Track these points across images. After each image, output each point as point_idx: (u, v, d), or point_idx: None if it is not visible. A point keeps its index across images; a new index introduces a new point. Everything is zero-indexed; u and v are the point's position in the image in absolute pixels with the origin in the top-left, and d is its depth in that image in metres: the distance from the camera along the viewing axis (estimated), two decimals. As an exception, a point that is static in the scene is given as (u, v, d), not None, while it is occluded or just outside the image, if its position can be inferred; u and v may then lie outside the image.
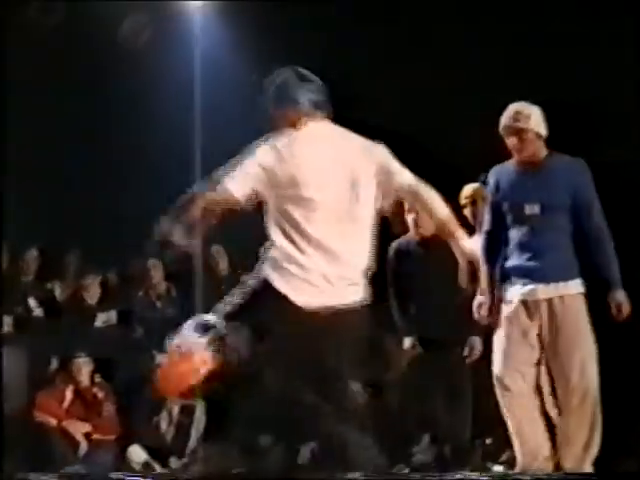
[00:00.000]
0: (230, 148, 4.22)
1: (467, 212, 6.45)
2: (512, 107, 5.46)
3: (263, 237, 8.08)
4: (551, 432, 5.42)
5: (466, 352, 6.40)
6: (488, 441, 6.08)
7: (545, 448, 5.42)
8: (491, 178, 5.55)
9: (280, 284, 4.06)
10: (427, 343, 6.55)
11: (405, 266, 6.66)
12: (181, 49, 9.26)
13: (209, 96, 9.12)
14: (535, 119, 5.41)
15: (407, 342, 6.60)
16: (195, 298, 8.53)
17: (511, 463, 5.60)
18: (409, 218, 6.51)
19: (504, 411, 5.46)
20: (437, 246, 6.40)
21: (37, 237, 8.64)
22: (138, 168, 9.09)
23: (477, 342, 6.36)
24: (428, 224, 6.40)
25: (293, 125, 4.22)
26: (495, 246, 5.53)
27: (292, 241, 4.07)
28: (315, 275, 4.05)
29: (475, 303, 5.56)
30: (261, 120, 4.31)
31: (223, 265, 8.49)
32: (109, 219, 9.22)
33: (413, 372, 6.64)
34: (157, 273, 8.49)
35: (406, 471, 6.59)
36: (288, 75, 4.36)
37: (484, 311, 5.48)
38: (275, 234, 4.13)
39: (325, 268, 4.05)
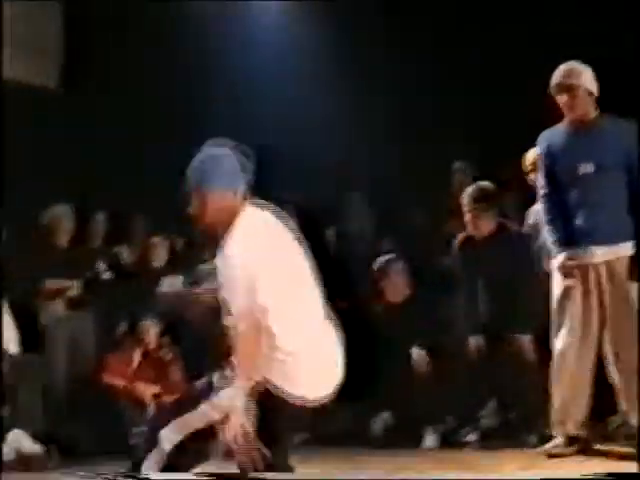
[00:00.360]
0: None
1: (532, 178, 6.39)
2: (563, 66, 5.47)
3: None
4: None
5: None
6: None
7: (580, 414, 5.45)
8: (542, 142, 5.55)
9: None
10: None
11: (468, 262, 6.64)
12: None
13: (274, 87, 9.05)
14: (586, 77, 5.43)
15: (472, 341, 6.59)
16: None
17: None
18: (467, 218, 6.51)
19: (554, 372, 5.50)
20: (496, 244, 6.46)
21: (104, 201, 8.70)
22: (206, 136, 9.09)
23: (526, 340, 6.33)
24: (486, 224, 6.40)
25: (226, 212, 4.04)
26: (555, 208, 5.51)
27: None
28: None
29: (557, 264, 5.54)
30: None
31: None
32: (175, 184, 9.25)
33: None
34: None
35: (473, 435, 6.58)
36: (224, 152, 4.19)
37: (569, 268, 5.45)
38: None
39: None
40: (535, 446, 5.95)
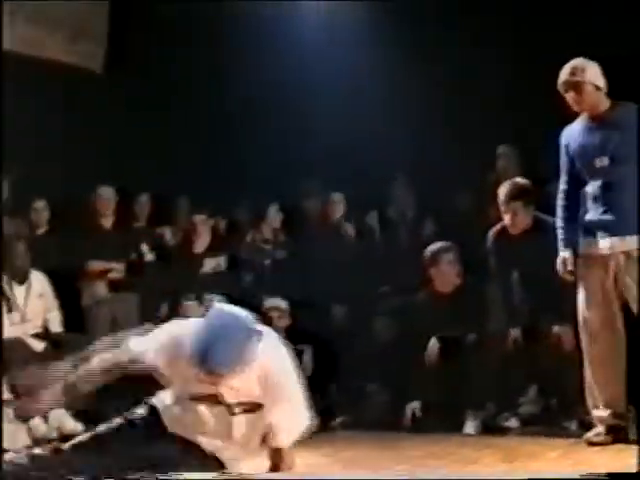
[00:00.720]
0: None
1: None
2: (568, 64, 5.52)
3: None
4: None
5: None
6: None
7: (619, 403, 5.43)
8: (562, 139, 5.64)
9: None
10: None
11: (502, 255, 6.60)
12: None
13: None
14: (591, 72, 5.54)
15: (513, 333, 6.57)
16: (304, 242, 8.51)
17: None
18: (506, 217, 6.48)
19: (586, 362, 5.51)
20: (532, 238, 6.41)
21: (147, 183, 8.73)
22: (248, 119, 9.10)
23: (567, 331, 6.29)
24: (522, 221, 6.41)
25: None
26: (573, 203, 5.56)
27: None
28: None
29: (558, 260, 5.60)
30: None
31: (339, 212, 8.42)
32: (217, 165, 9.28)
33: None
34: (266, 219, 8.55)
35: (513, 421, 6.55)
36: None
37: (568, 266, 5.52)
38: None
39: None
40: (575, 433, 5.94)
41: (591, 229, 5.50)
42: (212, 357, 4.18)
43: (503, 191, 6.49)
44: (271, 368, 4.44)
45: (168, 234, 8.72)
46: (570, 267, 5.56)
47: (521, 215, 6.48)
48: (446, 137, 8.02)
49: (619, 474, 3.54)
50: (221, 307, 4.48)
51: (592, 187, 5.50)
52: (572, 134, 5.61)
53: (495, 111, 7.97)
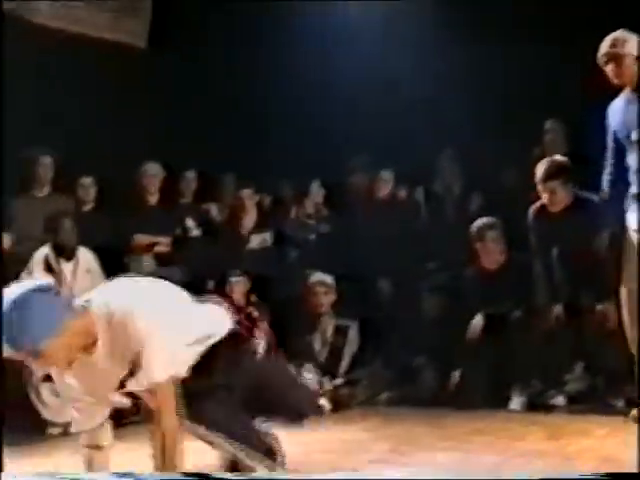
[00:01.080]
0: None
1: None
2: (609, 36, 5.50)
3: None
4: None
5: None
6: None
7: None
8: (608, 115, 5.65)
9: None
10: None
11: (542, 232, 6.58)
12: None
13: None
14: (631, 44, 5.49)
15: (555, 310, 6.53)
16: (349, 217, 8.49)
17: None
18: (544, 196, 6.46)
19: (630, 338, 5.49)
20: (572, 216, 6.36)
21: (193, 159, 8.75)
22: (294, 95, 9.07)
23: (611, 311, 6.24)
24: (561, 200, 6.40)
25: None
26: (619, 178, 5.60)
27: None
28: None
29: (605, 235, 5.58)
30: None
31: (386, 188, 8.39)
32: (263, 142, 9.28)
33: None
34: (309, 195, 8.55)
35: (560, 398, 6.51)
36: None
37: (615, 242, 5.51)
38: None
39: None
40: (622, 410, 5.90)
41: (633, 203, 5.47)
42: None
43: (540, 170, 6.44)
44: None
45: (214, 210, 8.74)
46: (616, 243, 5.52)
47: (559, 194, 6.43)
48: (493, 112, 7.95)
49: (619, 474, 3.51)
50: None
51: (630, 160, 5.49)
52: (615, 108, 5.59)
53: (543, 86, 7.88)
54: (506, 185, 7.89)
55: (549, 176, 6.39)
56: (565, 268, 6.56)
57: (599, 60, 5.49)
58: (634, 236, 5.47)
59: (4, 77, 7.45)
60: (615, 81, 5.51)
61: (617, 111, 5.56)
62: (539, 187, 6.45)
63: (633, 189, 5.49)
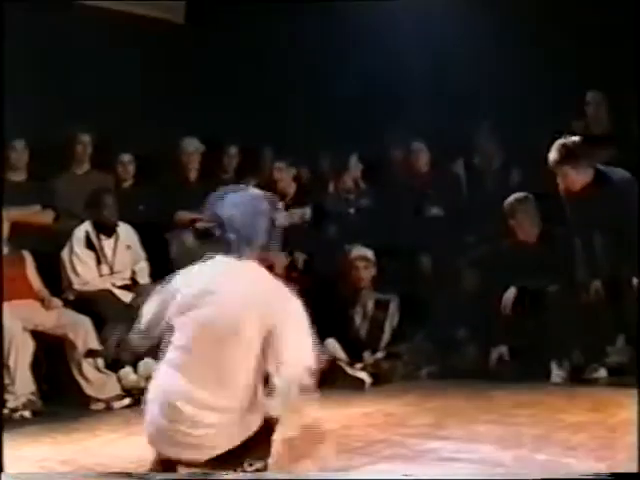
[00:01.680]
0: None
1: None
2: None
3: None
4: None
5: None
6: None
7: None
8: None
9: None
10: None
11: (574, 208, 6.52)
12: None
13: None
14: None
15: (595, 284, 6.51)
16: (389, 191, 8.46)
17: None
18: (558, 179, 6.45)
19: None
20: (596, 194, 6.28)
21: (231, 134, 8.75)
22: (331, 70, 9.04)
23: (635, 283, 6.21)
24: (577, 180, 6.37)
25: None
26: None
27: None
28: None
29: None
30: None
31: (423, 160, 8.35)
32: (301, 116, 9.27)
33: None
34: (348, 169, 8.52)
35: (601, 370, 6.48)
36: None
37: None
38: None
39: None
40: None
41: None
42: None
43: (552, 154, 6.41)
44: None
45: (253, 184, 8.74)
46: None
47: (571, 176, 6.40)
48: (533, 85, 7.89)
49: (619, 474, 3.50)
50: None
51: None
52: None
53: (584, 58, 7.81)
54: (546, 158, 7.84)
55: (558, 161, 6.36)
56: (604, 242, 6.50)
57: None
58: None
59: (45, 56, 7.52)
60: None
61: None
62: (554, 171, 6.42)
63: None
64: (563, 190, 6.53)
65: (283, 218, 8.06)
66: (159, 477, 3.87)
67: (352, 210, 8.43)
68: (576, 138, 6.46)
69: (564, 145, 6.41)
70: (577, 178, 6.39)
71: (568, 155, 6.36)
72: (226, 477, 3.79)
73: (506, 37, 8.16)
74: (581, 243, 6.58)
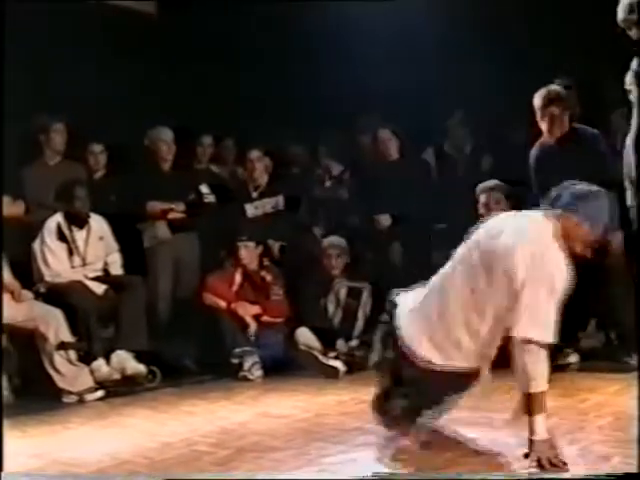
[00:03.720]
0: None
1: None
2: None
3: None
4: None
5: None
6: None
7: None
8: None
9: None
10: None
11: (545, 168, 6.51)
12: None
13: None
14: None
15: None
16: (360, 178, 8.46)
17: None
18: (543, 124, 6.46)
19: None
20: (572, 144, 6.33)
21: (206, 123, 8.73)
22: (303, 55, 9.03)
23: (619, 236, 6.23)
24: (560, 127, 6.39)
25: None
26: None
27: None
28: None
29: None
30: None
31: (392, 148, 8.33)
32: (271, 103, 9.27)
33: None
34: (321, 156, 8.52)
35: (574, 357, 6.50)
36: None
37: None
38: None
39: None
40: (635, 367, 5.89)
41: None
42: None
43: (539, 98, 6.45)
44: None
45: (225, 174, 8.73)
46: None
47: (558, 120, 6.44)
48: (502, 73, 7.92)
49: (619, 474, 3.52)
50: None
51: None
52: None
53: (553, 46, 7.84)
54: (516, 145, 7.85)
55: (548, 102, 6.41)
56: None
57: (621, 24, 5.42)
58: None
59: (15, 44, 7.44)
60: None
61: None
62: (538, 115, 6.46)
63: None
64: (545, 134, 6.55)
65: (254, 209, 8.17)
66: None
67: (325, 198, 8.43)
68: (559, 87, 6.53)
69: (551, 89, 6.47)
70: (562, 122, 6.44)
71: (557, 98, 6.42)
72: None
73: (477, 26, 8.19)
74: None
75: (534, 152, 6.63)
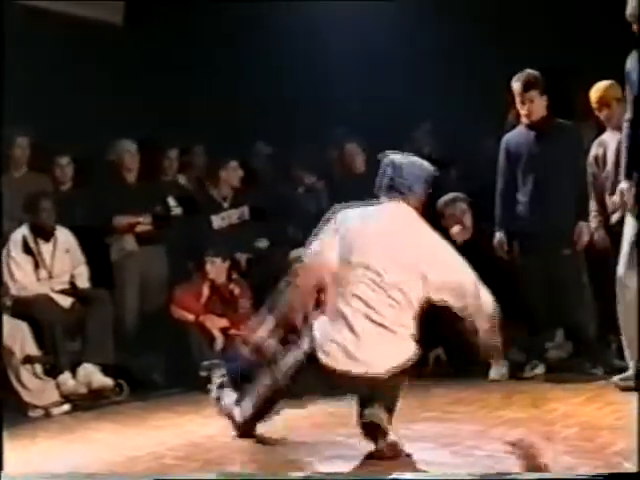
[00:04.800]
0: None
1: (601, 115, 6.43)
2: None
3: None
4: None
5: (575, 237, 6.31)
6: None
7: None
8: (627, 67, 5.54)
9: None
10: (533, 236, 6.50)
11: (515, 155, 6.61)
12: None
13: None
14: None
15: (497, 236, 6.64)
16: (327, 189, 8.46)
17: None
18: (522, 108, 6.54)
19: (619, 308, 5.48)
20: (548, 128, 6.47)
21: (172, 135, 8.71)
22: (268, 67, 9.05)
23: (585, 227, 6.29)
24: (537, 110, 6.47)
25: None
26: (637, 132, 5.48)
27: None
28: None
29: (618, 188, 5.57)
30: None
31: (358, 160, 8.35)
32: (239, 116, 9.27)
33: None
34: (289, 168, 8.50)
35: (541, 368, 6.53)
36: None
37: (626, 197, 5.47)
38: None
39: None
40: (602, 377, 5.94)
41: None
42: None
43: (518, 83, 6.51)
44: None
45: (192, 185, 8.71)
46: (628, 199, 5.49)
47: (537, 103, 6.51)
48: (468, 85, 7.97)
49: (619, 474, 3.54)
50: None
51: None
52: (633, 60, 5.47)
53: (520, 56, 7.89)
54: (483, 156, 7.89)
55: (528, 86, 6.47)
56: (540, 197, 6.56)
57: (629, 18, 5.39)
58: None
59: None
60: None
61: (635, 67, 5.42)
62: (518, 100, 6.51)
63: None
64: (523, 119, 6.59)
65: (221, 220, 8.15)
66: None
67: (293, 210, 8.40)
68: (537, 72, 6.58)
69: (529, 73, 6.52)
70: (541, 103, 6.51)
71: (536, 82, 6.49)
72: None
73: (442, 39, 8.23)
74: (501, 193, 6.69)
75: (510, 137, 6.69)
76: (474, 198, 7.17)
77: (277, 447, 4.92)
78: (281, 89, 8.90)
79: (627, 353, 5.62)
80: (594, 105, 6.44)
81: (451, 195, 7.14)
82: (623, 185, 5.52)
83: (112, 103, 8.75)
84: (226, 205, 8.21)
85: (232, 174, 8.27)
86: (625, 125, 5.59)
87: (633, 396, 5.25)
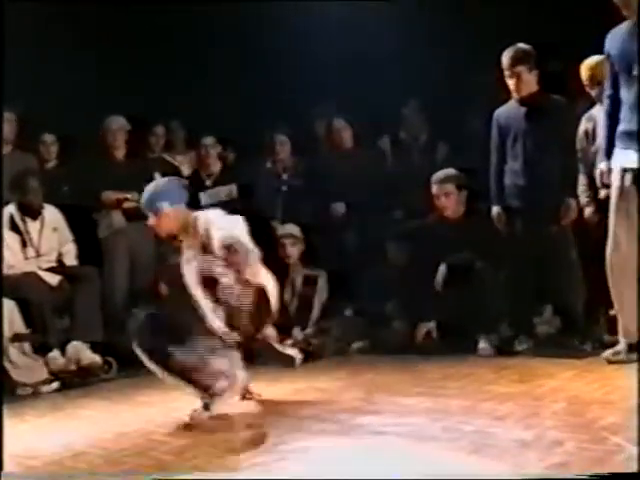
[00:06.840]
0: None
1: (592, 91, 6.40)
2: None
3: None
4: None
5: (562, 213, 6.31)
6: (612, 312, 5.91)
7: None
8: (607, 44, 5.53)
9: None
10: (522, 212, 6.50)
11: (505, 130, 6.60)
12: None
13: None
14: None
15: (494, 210, 6.61)
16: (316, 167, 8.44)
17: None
18: (510, 83, 6.49)
19: (610, 281, 5.47)
20: (538, 104, 6.45)
21: (159, 112, 8.68)
22: (257, 43, 9.01)
23: (573, 203, 6.29)
24: (527, 85, 6.45)
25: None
26: (617, 111, 5.46)
27: None
28: None
29: (597, 171, 5.55)
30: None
31: (347, 137, 8.32)
32: (228, 93, 9.23)
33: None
34: (284, 147, 8.48)
35: (530, 343, 6.55)
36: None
37: (605, 178, 5.47)
38: None
39: None
40: (591, 353, 5.96)
41: (622, 141, 5.40)
42: None
43: (506, 57, 6.46)
44: None
45: (181, 160, 8.68)
46: (607, 180, 5.49)
47: (525, 78, 6.46)
48: (457, 61, 7.94)
49: (619, 474, 3.55)
50: None
51: (628, 96, 5.38)
52: (615, 38, 5.47)
53: (510, 32, 7.88)
54: (472, 132, 7.88)
55: (516, 61, 6.42)
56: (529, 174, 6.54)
57: None
58: (626, 177, 5.40)
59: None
60: (625, 12, 5.34)
61: (617, 42, 5.44)
62: (506, 74, 6.47)
63: (623, 126, 5.40)
64: (513, 94, 6.55)
65: (208, 197, 8.12)
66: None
67: (280, 187, 8.39)
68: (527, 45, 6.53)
69: (519, 48, 6.47)
70: (530, 78, 6.46)
71: (524, 57, 6.43)
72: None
73: (431, 15, 8.22)
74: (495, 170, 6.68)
75: (500, 111, 6.66)
76: (466, 173, 7.16)
77: (268, 421, 4.94)
78: (269, 66, 8.87)
79: (620, 327, 5.61)
80: (585, 82, 6.40)
81: (440, 174, 7.12)
82: (602, 166, 5.54)
83: (99, 80, 8.72)
84: (209, 183, 8.19)
85: (217, 151, 8.27)
86: (606, 102, 5.59)
87: (621, 371, 5.30)
